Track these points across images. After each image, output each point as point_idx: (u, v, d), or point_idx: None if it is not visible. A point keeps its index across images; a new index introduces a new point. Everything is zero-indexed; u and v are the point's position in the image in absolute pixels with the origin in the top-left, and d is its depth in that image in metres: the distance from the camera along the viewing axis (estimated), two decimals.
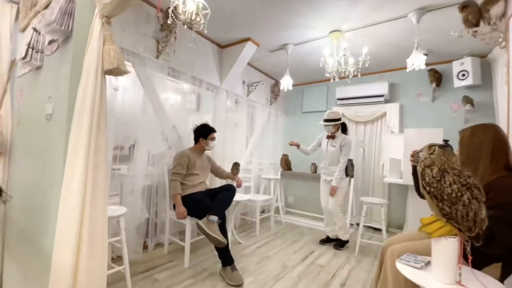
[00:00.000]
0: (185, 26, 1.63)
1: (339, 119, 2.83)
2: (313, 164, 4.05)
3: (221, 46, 3.15)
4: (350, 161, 2.94)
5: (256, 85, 3.67)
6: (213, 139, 2.52)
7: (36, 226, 1.05)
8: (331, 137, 2.88)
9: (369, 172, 3.77)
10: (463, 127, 1.42)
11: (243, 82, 3.61)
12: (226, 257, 2.02)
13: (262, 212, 3.88)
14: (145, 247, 2.40)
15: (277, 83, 4.22)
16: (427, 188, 1.06)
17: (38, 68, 1.24)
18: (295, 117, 4.70)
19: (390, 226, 3.53)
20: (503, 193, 1.13)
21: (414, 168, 1.43)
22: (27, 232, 1.01)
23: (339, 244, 2.85)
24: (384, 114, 3.71)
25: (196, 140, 2.51)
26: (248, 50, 2.99)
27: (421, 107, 3.54)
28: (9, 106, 1.50)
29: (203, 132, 2.48)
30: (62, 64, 1.03)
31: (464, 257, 1.05)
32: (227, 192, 2.26)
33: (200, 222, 2.01)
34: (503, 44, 1.75)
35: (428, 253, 1.18)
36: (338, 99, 4.04)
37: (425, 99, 3.51)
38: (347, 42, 2.68)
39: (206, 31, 1.67)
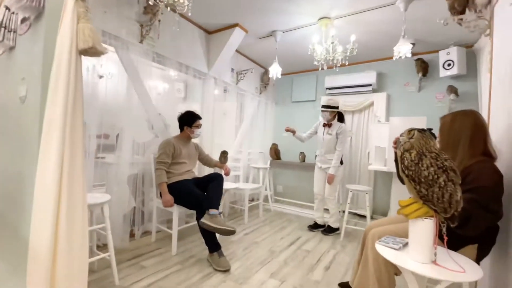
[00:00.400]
0: (168, 8, 1.57)
1: (336, 107, 2.85)
2: (302, 153, 4.10)
3: (209, 32, 3.08)
4: None
5: (245, 73, 3.63)
6: (198, 126, 2.45)
7: (14, 211, 1.02)
8: (328, 125, 2.91)
9: (356, 161, 3.84)
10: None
11: (232, 69, 3.55)
12: (213, 243, 2.04)
13: (251, 200, 3.92)
14: (132, 235, 2.39)
15: (266, 72, 4.17)
16: (406, 172, 1.09)
17: (11, 48, 1.16)
18: (285, 106, 4.70)
19: (375, 213, 3.64)
20: (480, 177, 1.17)
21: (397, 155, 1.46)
22: (4, 216, 0.98)
23: (327, 230, 2.92)
24: (372, 103, 3.75)
25: (181, 128, 2.46)
26: (237, 36, 2.93)
27: (407, 96, 3.59)
28: None
29: (188, 120, 2.41)
30: (34, 44, 0.98)
31: (441, 238, 1.09)
32: (216, 182, 2.25)
33: (203, 219, 1.97)
34: (487, 31, 1.77)
35: (407, 236, 1.22)
36: (327, 88, 4.05)
37: (411, 89, 3.56)
38: (336, 29, 2.66)
39: (190, 14, 1.62)
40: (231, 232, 1.95)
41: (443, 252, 1.12)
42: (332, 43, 2.57)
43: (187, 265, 1.99)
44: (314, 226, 3.03)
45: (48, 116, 0.90)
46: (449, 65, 3.12)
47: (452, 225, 1.03)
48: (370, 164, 3.12)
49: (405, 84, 3.61)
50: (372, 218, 3.27)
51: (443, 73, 3.18)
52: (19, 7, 1.01)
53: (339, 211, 3.39)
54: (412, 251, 1.08)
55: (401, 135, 1.17)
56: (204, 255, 2.15)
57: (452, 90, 3.18)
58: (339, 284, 1.82)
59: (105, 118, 2.39)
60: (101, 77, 2.67)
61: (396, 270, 1.37)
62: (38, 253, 0.91)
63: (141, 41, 2.24)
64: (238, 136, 3.77)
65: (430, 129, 1.19)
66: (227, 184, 2.82)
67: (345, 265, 2.16)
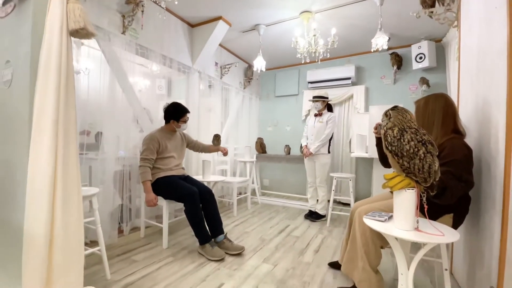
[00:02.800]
0: None
1: (327, 97, 3.06)
2: (287, 146, 4.18)
3: (192, 25, 3.06)
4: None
5: (230, 67, 3.64)
6: (185, 121, 2.36)
7: (2, 198, 0.98)
8: (319, 114, 3.08)
9: (338, 151, 3.99)
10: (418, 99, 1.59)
11: (216, 63, 3.55)
12: (202, 235, 2.03)
13: (239, 194, 3.94)
14: (120, 232, 2.34)
15: (250, 67, 4.21)
16: (389, 147, 1.17)
17: None
18: (268, 101, 4.76)
19: (357, 199, 3.80)
20: (453, 152, 1.29)
21: (378, 140, 1.57)
22: None
23: (315, 216, 3.03)
24: (351, 96, 3.92)
25: (167, 120, 2.35)
26: (220, 29, 2.94)
27: (384, 89, 3.79)
28: None
29: (175, 114, 2.30)
30: (20, 25, 0.94)
31: (421, 209, 1.19)
32: (211, 203, 2.18)
33: (204, 251, 2.00)
34: (455, 23, 1.93)
35: (391, 210, 1.32)
36: (309, 82, 4.17)
37: (387, 81, 3.76)
38: (316, 23, 2.76)
39: (176, 2, 1.62)
40: (223, 255, 1.98)
41: (424, 222, 1.22)
42: (314, 35, 2.66)
43: (179, 257, 1.99)
44: (310, 214, 3.12)
45: (39, 101, 0.87)
46: (420, 58, 3.33)
47: (431, 193, 1.14)
48: (352, 152, 3.26)
49: (382, 77, 3.80)
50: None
51: (415, 65, 3.39)
52: None
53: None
54: (397, 220, 1.18)
55: (382, 120, 1.26)
56: (196, 247, 2.15)
57: (424, 81, 3.40)
58: (329, 264, 1.91)
59: (84, 117, 2.29)
60: (77, 73, 2.57)
61: (381, 243, 1.47)
62: (33, 241, 0.88)
63: (123, 32, 2.19)
64: (224, 131, 3.78)
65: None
66: (215, 178, 2.84)
67: (333, 248, 2.25)
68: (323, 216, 3.05)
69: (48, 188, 0.88)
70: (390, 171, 1.25)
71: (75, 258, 1.01)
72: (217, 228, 2.11)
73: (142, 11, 2.10)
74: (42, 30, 0.90)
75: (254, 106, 4.60)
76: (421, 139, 1.11)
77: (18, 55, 0.94)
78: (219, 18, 2.85)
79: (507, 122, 1.13)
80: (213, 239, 2.07)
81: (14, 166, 0.95)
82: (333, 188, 2.90)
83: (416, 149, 1.10)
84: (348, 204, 3.65)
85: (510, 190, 1.09)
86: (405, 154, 1.12)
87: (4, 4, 1.03)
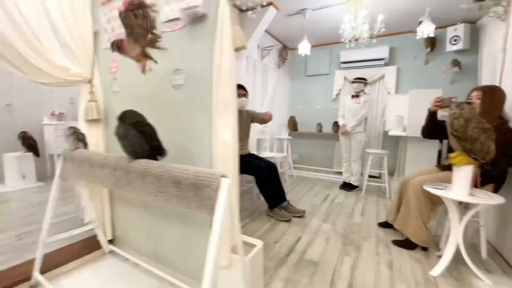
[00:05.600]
0: None
1: (366, 79, 3.38)
2: (319, 124, 4.50)
3: (241, 10, 3.21)
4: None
5: (270, 50, 3.84)
6: (238, 95, 2.42)
7: (187, 158, 1.34)
8: (356, 96, 3.37)
9: (368, 128, 4.30)
10: (450, 86, 1.89)
11: (258, 46, 3.74)
12: (273, 200, 2.45)
13: None
14: None
15: (285, 47, 4.38)
16: (455, 133, 1.51)
17: None
18: (299, 80, 4.98)
19: None
20: (501, 134, 1.62)
21: (432, 113, 1.90)
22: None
23: (349, 187, 3.45)
24: (383, 76, 4.13)
25: None
26: (269, 15, 3.10)
27: (415, 69, 3.99)
28: (98, 77, 1.63)
29: None
30: (193, 42, 1.22)
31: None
32: (275, 176, 2.53)
33: (273, 214, 2.43)
34: (503, 17, 2.13)
35: (442, 181, 1.69)
36: (342, 62, 4.35)
37: (419, 62, 3.95)
38: (365, 9, 2.91)
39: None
40: (289, 217, 2.40)
41: (476, 190, 1.60)
42: (364, 23, 2.84)
43: (254, 218, 2.43)
44: (344, 185, 3.54)
45: (222, 97, 1.17)
46: (455, 40, 3.50)
47: (486, 168, 1.49)
48: (389, 130, 3.53)
49: (413, 58, 3.98)
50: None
51: (449, 47, 3.57)
52: (188, 12, 1.20)
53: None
54: (456, 188, 1.55)
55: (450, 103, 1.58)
56: (262, 210, 2.58)
57: (456, 63, 3.60)
58: (378, 223, 2.34)
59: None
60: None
61: (432, 206, 1.87)
62: None
63: None
64: (264, 109, 4.08)
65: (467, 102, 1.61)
66: (264, 154, 3.21)
67: (374, 212, 2.68)
68: (357, 187, 3.47)
69: (232, 154, 1.24)
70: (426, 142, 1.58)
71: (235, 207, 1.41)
72: (281, 196, 2.52)
73: None
74: (212, 47, 1.19)
75: (286, 85, 4.83)
76: (483, 127, 1.44)
77: (193, 65, 1.23)
78: (270, 4, 3.00)
79: None
80: (280, 205, 2.49)
81: (196, 136, 1.29)
82: (369, 162, 3.27)
83: (478, 135, 1.43)
84: (375, 177, 4.04)
85: None
86: (468, 138, 1.46)
87: (169, 21, 1.30)
